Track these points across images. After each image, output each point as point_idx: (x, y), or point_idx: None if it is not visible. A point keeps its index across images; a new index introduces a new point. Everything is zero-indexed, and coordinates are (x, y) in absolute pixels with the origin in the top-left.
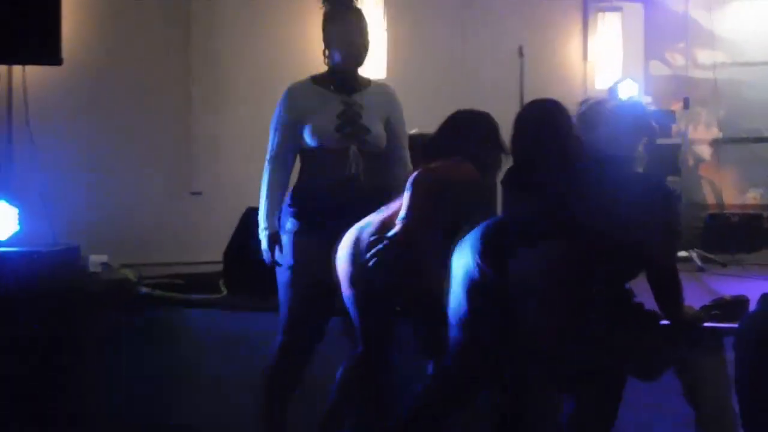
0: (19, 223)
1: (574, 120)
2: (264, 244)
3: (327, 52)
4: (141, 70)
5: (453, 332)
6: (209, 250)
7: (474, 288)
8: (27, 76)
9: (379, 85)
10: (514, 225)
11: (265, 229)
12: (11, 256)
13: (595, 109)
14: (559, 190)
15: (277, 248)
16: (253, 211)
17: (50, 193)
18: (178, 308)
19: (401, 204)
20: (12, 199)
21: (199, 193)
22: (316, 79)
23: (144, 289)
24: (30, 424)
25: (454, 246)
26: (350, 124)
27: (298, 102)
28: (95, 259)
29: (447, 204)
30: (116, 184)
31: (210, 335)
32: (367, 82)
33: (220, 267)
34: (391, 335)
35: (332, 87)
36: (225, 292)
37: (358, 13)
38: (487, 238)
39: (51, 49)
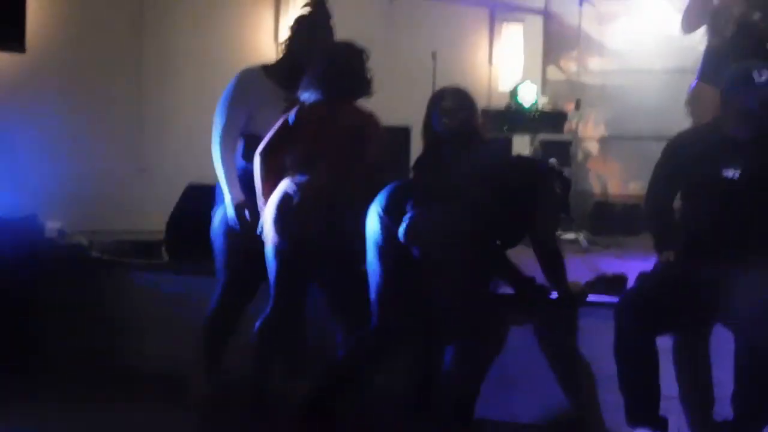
0: None
1: None
2: (231, 213)
3: (288, 45)
4: (97, 54)
5: (372, 291)
6: (153, 221)
7: (382, 248)
8: None
9: None
10: (416, 185)
11: (233, 199)
12: None
13: None
14: (461, 163)
15: (217, 219)
16: (192, 188)
17: (12, 165)
18: (125, 271)
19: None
20: None
21: (145, 170)
22: (268, 71)
23: (95, 254)
24: None
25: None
26: None
27: (249, 91)
28: (51, 226)
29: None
30: (72, 159)
31: (152, 295)
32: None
33: (162, 235)
34: (304, 296)
35: (279, 80)
36: (166, 257)
37: (324, 27)
38: (391, 194)
39: (15, 37)
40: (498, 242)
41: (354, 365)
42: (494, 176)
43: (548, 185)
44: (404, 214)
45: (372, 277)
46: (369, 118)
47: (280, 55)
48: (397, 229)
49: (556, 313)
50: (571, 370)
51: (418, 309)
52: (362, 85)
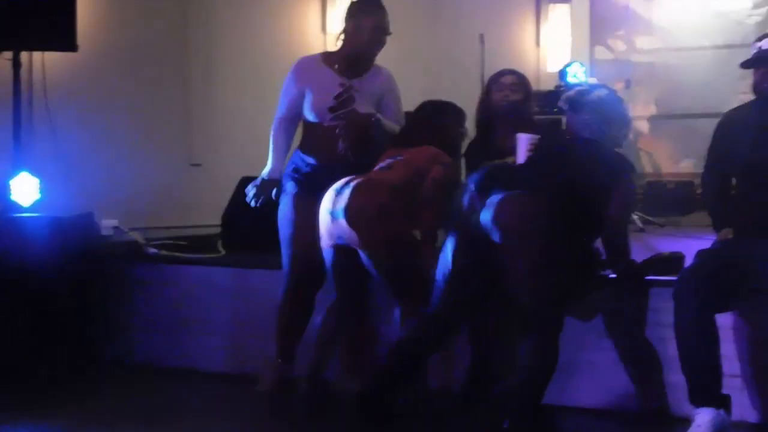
0: (40, 192)
1: (561, 101)
2: (252, 185)
3: (346, 35)
4: (145, 55)
5: (438, 276)
6: (208, 215)
7: (460, 236)
8: (45, 60)
9: (379, 69)
10: (507, 170)
11: (271, 172)
12: (34, 221)
13: (581, 96)
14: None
15: (279, 209)
16: (247, 181)
17: (67, 165)
18: (181, 266)
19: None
20: (33, 171)
21: (199, 165)
22: (325, 58)
23: (151, 250)
24: (48, 368)
25: None
26: (343, 105)
27: (304, 73)
28: (107, 223)
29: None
30: (125, 156)
31: (210, 289)
32: (368, 68)
33: (218, 230)
34: (365, 285)
35: (337, 68)
36: (222, 251)
37: (386, 13)
38: (484, 176)
39: (67, 37)
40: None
41: (409, 349)
42: (585, 172)
43: (633, 182)
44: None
45: (442, 262)
46: (435, 164)
47: (340, 46)
48: (480, 212)
49: (621, 292)
50: (635, 350)
51: (482, 300)
52: (440, 140)
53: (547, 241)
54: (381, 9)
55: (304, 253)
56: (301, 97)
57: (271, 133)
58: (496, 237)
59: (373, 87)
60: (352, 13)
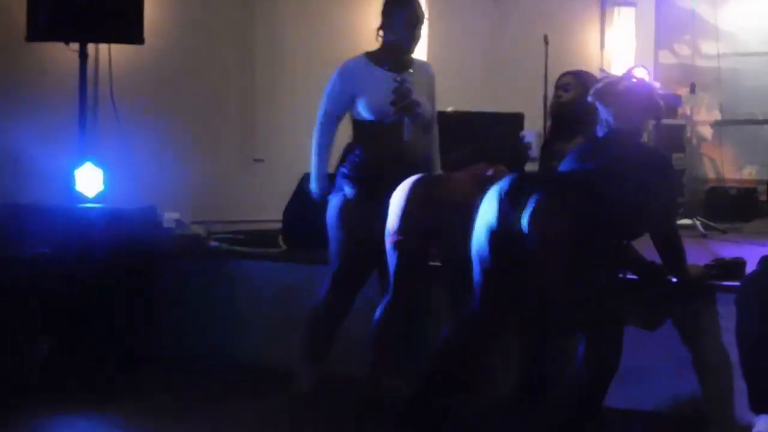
0: (104, 183)
1: (591, 94)
2: (315, 186)
3: (383, 32)
4: (211, 50)
5: (476, 277)
6: (270, 210)
7: (496, 234)
8: (113, 53)
9: (422, 63)
10: (533, 177)
11: (317, 194)
12: (97, 212)
13: (610, 86)
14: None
15: (332, 208)
16: (309, 177)
17: (130, 158)
18: (242, 261)
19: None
20: (98, 162)
21: (262, 160)
22: (370, 57)
23: (213, 243)
24: (109, 363)
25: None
26: (403, 98)
27: (354, 77)
28: (169, 216)
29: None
30: (189, 150)
31: (270, 285)
32: (411, 61)
33: (279, 225)
34: (421, 282)
35: (385, 65)
36: (284, 247)
37: (419, 3)
38: (516, 181)
39: (134, 30)
40: (623, 236)
41: (454, 352)
42: (619, 164)
43: (668, 173)
44: (526, 201)
45: (478, 260)
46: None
47: (381, 43)
48: (516, 214)
49: (685, 298)
50: (702, 356)
51: (523, 298)
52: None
53: (576, 244)
54: (411, 2)
55: (354, 255)
56: (350, 100)
57: (315, 137)
58: (528, 241)
59: (422, 81)
60: (386, 11)
